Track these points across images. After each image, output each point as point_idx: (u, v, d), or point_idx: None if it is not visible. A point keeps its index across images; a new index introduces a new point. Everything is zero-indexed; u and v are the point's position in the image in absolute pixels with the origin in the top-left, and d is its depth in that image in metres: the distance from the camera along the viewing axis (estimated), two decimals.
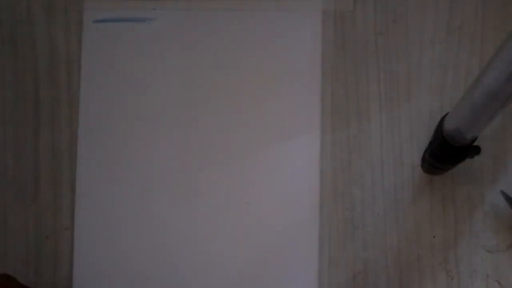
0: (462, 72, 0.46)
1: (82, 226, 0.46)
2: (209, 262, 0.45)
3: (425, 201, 0.44)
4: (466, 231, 0.44)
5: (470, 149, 0.37)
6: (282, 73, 0.47)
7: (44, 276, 0.45)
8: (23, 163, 0.47)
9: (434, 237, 0.44)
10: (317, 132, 0.45)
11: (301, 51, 0.47)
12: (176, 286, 0.45)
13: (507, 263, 0.43)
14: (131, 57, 0.47)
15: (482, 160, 0.44)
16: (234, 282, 0.44)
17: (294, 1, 0.47)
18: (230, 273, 0.44)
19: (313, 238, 0.44)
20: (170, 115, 0.47)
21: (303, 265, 0.44)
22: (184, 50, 0.47)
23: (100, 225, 0.46)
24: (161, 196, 0.46)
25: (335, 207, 0.45)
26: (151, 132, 0.47)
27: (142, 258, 0.45)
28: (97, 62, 0.47)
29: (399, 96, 0.46)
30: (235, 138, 0.46)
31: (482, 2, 0.46)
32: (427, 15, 0.46)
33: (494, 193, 0.44)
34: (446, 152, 0.38)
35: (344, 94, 0.46)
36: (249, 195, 0.45)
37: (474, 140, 0.37)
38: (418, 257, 0.44)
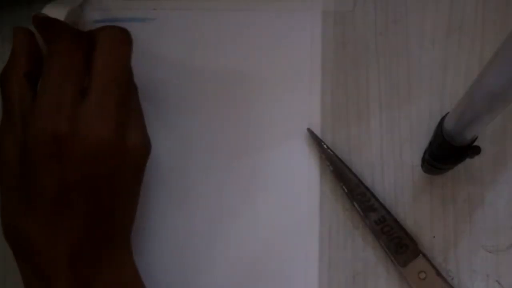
0: (462, 72, 0.46)
1: None
2: (209, 262, 0.45)
3: (425, 201, 0.44)
4: (466, 231, 0.44)
5: (470, 149, 0.37)
6: (281, 73, 0.47)
7: None
8: None
9: (434, 237, 0.44)
10: (317, 132, 0.45)
11: (301, 51, 0.47)
12: (176, 286, 0.45)
13: (507, 263, 0.43)
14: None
15: (482, 160, 0.44)
16: (234, 282, 0.44)
17: (294, 1, 0.47)
18: (230, 273, 0.44)
19: (313, 238, 0.44)
20: (170, 115, 0.47)
21: (303, 265, 0.44)
22: (184, 50, 0.47)
23: None
24: (162, 196, 0.46)
25: (335, 207, 0.45)
26: (151, 132, 0.46)
27: (143, 257, 0.45)
28: None
29: (399, 96, 0.46)
30: (234, 138, 0.46)
31: (482, 2, 0.46)
32: (427, 15, 0.46)
33: (494, 193, 0.44)
34: (446, 152, 0.38)
35: (344, 94, 0.46)
36: (249, 195, 0.45)
37: (474, 140, 0.37)
38: None
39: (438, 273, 0.42)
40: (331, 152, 0.44)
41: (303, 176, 0.45)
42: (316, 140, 0.45)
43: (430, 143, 0.40)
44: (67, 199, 0.35)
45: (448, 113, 0.37)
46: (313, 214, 0.45)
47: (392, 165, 0.45)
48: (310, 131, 0.45)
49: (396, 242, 0.42)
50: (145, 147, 0.39)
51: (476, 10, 0.46)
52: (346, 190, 0.44)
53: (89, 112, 0.35)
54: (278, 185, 0.45)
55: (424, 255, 0.42)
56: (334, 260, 0.44)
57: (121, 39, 0.38)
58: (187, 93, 0.47)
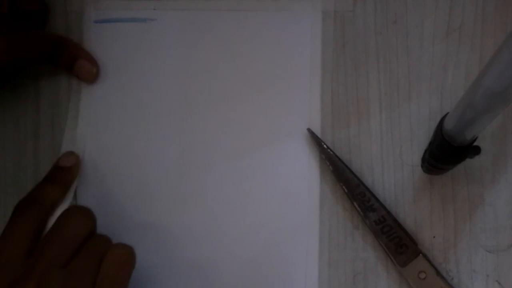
0: (462, 72, 0.46)
1: None
2: (209, 262, 0.45)
3: (425, 201, 0.44)
4: (466, 231, 0.44)
5: (470, 149, 0.37)
6: (281, 73, 0.47)
7: None
8: (23, 163, 0.47)
9: (434, 237, 0.44)
10: (317, 132, 0.45)
11: (301, 51, 0.47)
12: (177, 286, 0.45)
13: (507, 263, 0.43)
14: (131, 57, 0.47)
15: (482, 160, 0.44)
16: (234, 282, 0.44)
17: (294, 1, 0.47)
18: (230, 273, 0.44)
19: (313, 238, 0.44)
20: (170, 115, 0.47)
21: (303, 265, 0.44)
22: (184, 50, 0.47)
23: (101, 225, 0.46)
24: (162, 196, 0.46)
25: (335, 207, 0.45)
26: (152, 132, 0.47)
27: (142, 258, 0.45)
28: (98, 62, 0.47)
29: (399, 96, 0.46)
30: (235, 138, 0.46)
31: (482, 2, 0.46)
32: (427, 15, 0.46)
33: (494, 193, 0.44)
34: (446, 152, 0.38)
35: (344, 94, 0.46)
36: (249, 194, 0.45)
37: (474, 140, 0.37)
38: None
39: (438, 273, 0.42)
40: (331, 152, 0.44)
41: (303, 176, 0.45)
42: (316, 140, 0.45)
43: (430, 143, 0.40)
44: None
45: (448, 113, 0.37)
46: (313, 214, 0.45)
47: (392, 165, 0.45)
48: (310, 131, 0.45)
49: (396, 242, 0.42)
50: None
51: (476, 10, 0.46)
52: (346, 190, 0.44)
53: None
54: (278, 185, 0.45)
55: (424, 255, 0.42)
56: (334, 260, 0.44)
57: (127, 259, 0.40)
58: (187, 92, 0.47)
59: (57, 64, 0.46)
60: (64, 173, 0.45)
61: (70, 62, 0.46)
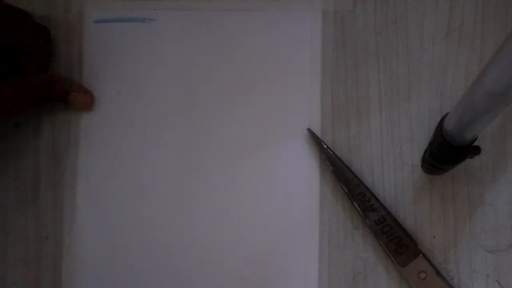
0: (462, 72, 0.46)
1: (83, 227, 0.46)
2: (209, 262, 0.45)
3: (425, 201, 0.44)
4: (466, 231, 0.44)
5: (470, 149, 0.37)
6: (281, 73, 0.47)
7: (44, 276, 0.45)
8: (23, 163, 0.47)
9: (434, 237, 0.44)
10: (317, 132, 0.45)
11: (301, 51, 0.47)
12: (176, 287, 0.45)
13: (507, 263, 0.43)
14: (131, 57, 0.47)
15: (482, 160, 0.44)
16: (233, 282, 0.44)
17: (294, 1, 0.47)
18: (230, 273, 0.44)
19: (313, 238, 0.44)
20: (170, 116, 0.47)
21: (303, 265, 0.44)
22: (184, 50, 0.47)
23: (101, 226, 0.46)
24: (163, 196, 0.46)
25: (335, 207, 0.45)
26: (152, 132, 0.47)
27: (142, 258, 0.45)
28: (98, 62, 0.47)
29: (399, 96, 0.46)
30: (235, 138, 0.46)
31: (482, 2, 0.46)
32: (427, 15, 0.46)
33: (494, 193, 0.44)
34: (446, 152, 0.38)
35: (344, 94, 0.46)
36: (249, 195, 0.45)
37: (474, 140, 0.37)
38: None
39: (438, 273, 0.42)
40: (331, 152, 0.44)
41: (303, 176, 0.45)
42: (316, 140, 0.45)
43: (430, 143, 0.40)
44: None
45: (448, 113, 0.37)
46: (313, 214, 0.45)
47: (392, 165, 0.45)
48: (310, 131, 0.45)
49: (396, 242, 0.42)
50: None
51: (476, 10, 0.46)
52: (346, 190, 0.44)
53: None
54: (278, 185, 0.45)
55: (424, 255, 0.42)
56: (334, 260, 0.44)
57: None
58: (187, 93, 0.47)
59: (51, 100, 0.46)
60: None
61: (63, 96, 0.45)
